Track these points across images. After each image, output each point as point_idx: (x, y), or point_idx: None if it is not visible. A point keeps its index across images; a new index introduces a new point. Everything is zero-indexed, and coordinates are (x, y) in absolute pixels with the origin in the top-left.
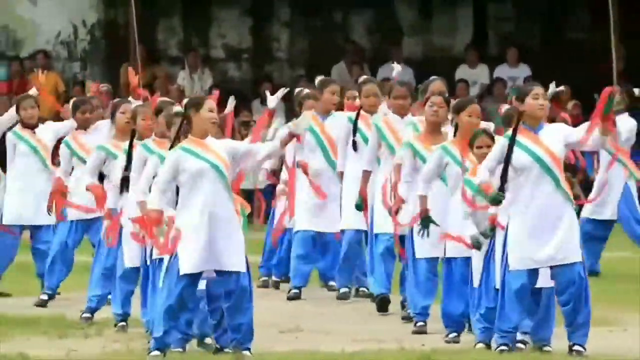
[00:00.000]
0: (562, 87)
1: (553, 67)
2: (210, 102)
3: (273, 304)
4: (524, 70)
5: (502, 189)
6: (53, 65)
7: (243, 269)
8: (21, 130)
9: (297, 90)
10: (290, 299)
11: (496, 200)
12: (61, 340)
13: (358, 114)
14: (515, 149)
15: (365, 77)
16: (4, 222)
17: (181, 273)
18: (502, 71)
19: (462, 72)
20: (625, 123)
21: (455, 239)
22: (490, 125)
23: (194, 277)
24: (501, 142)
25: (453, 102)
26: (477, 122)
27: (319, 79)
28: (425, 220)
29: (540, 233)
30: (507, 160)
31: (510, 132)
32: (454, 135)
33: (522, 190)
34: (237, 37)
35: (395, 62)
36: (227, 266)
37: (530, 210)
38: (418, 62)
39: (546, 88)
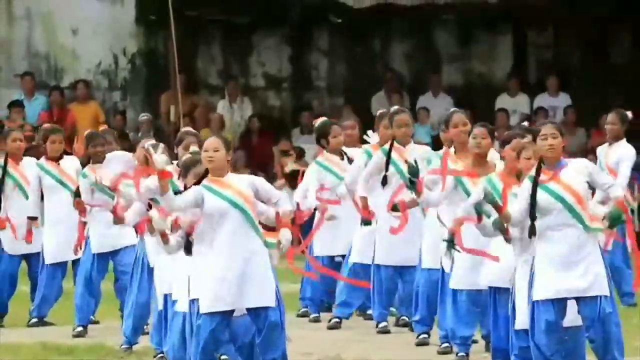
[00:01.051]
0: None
1: (594, 94)
2: (207, 143)
3: (312, 333)
4: (564, 99)
5: (532, 230)
6: (93, 95)
7: (272, 304)
8: (46, 163)
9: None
10: (330, 328)
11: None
12: None
13: (391, 146)
14: (538, 189)
15: (396, 107)
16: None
17: (210, 311)
18: (542, 100)
19: (502, 101)
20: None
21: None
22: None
23: (225, 316)
24: (525, 183)
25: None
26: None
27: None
28: (450, 242)
29: (566, 267)
30: (532, 200)
31: (533, 173)
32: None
33: (546, 228)
34: (276, 66)
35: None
36: (257, 303)
37: (556, 247)
38: (458, 91)
39: (589, 115)
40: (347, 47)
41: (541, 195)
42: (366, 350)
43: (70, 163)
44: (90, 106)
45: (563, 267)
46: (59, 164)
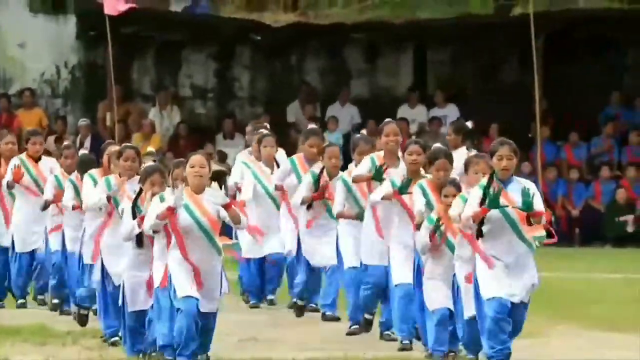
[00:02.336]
0: (469, 123)
1: (485, 107)
2: (194, 159)
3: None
4: (453, 110)
5: (479, 233)
6: (38, 102)
7: (214, 310)
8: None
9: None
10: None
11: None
12: (42, 347)
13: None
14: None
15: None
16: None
17: (180, 296)
18: (436, 111)
19: (403, 111)
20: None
21: None
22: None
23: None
24: (474, 193)
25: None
26: (393, 138)
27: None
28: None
29: (505, 276)
30: (482, 204)
31: (484, 181)
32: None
33: (488, 236)
34: (203, 78)
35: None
36: (205, 308)
37: (495, 255)
38: (364, 102)
39: (480, 126)
40: (266, 62)
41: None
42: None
43: (47, 163)
44: (35, 112)
45: (502, 275)
46: (37, 164)
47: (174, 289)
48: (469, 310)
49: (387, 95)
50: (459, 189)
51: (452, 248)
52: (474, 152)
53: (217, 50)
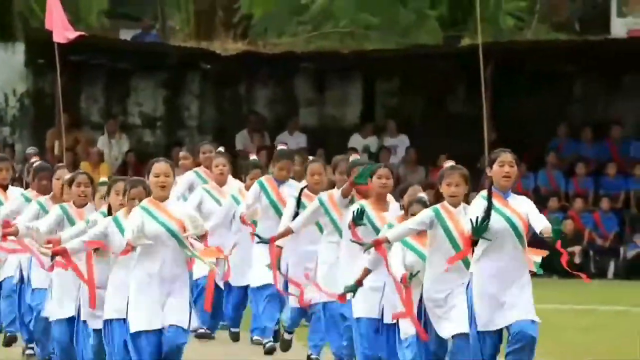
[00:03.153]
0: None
1: (433, 137)
2: (158, 166)
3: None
4: (403, 140)
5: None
6: None
7: (185, 325)
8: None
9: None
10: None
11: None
12: None
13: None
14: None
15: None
16: None
17: (132, 330)
18: (386, 140)
19: (354, 140)
20: None
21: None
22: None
23: (148, 335)
24: (477, 203)
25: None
26: (384, 182)
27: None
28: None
29: (502, 290)
30: (488, 213)
31: (484, 193)
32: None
33: (488, 251)
34: (152, 106)
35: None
36: (172, 322)
37: (492, 272)
38: (313, 131)
39: (430, 156)
40: (215, 91)
41: (493, 216)
42: None
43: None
44: None
45: (497, 294)
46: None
47: (130, 321)
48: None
49: (335, 124)
50: (426, 207)
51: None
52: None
53: (166, 78)
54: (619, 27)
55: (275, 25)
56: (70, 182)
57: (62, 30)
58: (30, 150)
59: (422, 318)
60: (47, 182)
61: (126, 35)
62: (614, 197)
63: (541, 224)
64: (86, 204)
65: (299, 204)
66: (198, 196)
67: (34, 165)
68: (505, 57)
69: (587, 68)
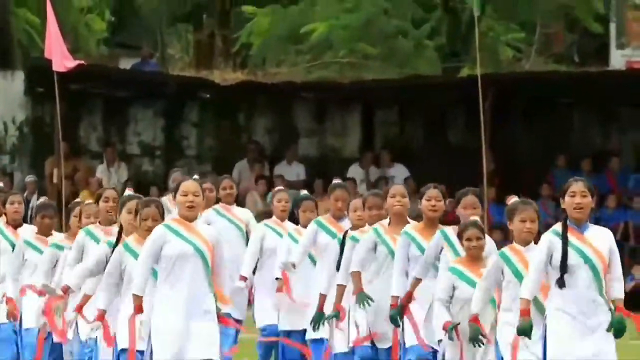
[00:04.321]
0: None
1: (433, 166)
2: (186, 185)
3: None
4: (401, 170)
5: (562, 282)
6: None
7: (216, 357)
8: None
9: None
10: None
11: (526, 331)
12: None
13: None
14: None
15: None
16: None
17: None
18: (384, 170)
19: (353, 170)
20: None
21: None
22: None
23: None
24: (547, 238)
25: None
26: (434, 204)
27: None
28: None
29: (579, 334)
30: (564, 252)
31: (558, 228)
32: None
33: (564, 290)
34: (151, 135)
35: None
36: (200, 355)
37: (569, 312)
38: (312, 160)
39: (425, 184)
40: (214, 120)
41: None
42: None
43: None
44: None
45: (576, 334)
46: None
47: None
48: None
49: (334, 154)
50: (482, 232)
51: None
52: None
53: (165, 107)
54: (618, 59)
55: (274, 55)
56: (97, 198)
57: (61, 59)
58: (29, 178)
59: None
60: (50, 220)
61: (125, 64)
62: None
63: (615, 291)
64: (113, 222)
65: (342, 248)
66: (260, 232)
67: (38, 202)
68: (504, 87)
69: (586, 99)
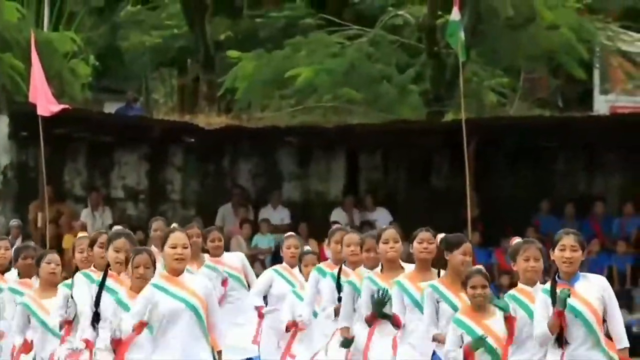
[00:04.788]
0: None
1: (417, 211)
2: (175, 237)
3: None
4: (383, 214)
5: (561, 341)
6: None
7: None
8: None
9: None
10: None
11: (563, 301)
12: None
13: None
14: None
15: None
16: None
17: None
18: (367, 214)
19: (337, 214)
20: None
21: None
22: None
23: None
24: (540, 298)
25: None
26: (469, 260)
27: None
28: None
29: None
30: (554, 305)
31: (547, 286)
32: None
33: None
34: (135, 179)
35: None
36: None
37: None
38: (296, 204)
39: (411, 231)
40: (199, 165)
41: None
42: None
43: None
44: None
45: None
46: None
47: None
48: None
49: (319, 199)
50: (487, 279)
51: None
52: None
53: (149, 151)
54: (602, 104)
55: (259, 99)
56: (92, 244)
57: (46, 103)
58: (13, 222)
59: None
60: (32, 261)
61: (110, 108)
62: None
63: (616, 342)
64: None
65: (339, 286)
66: (268, 277)
67: (16, 245)
68: (488, 132)
69: (570, 144)
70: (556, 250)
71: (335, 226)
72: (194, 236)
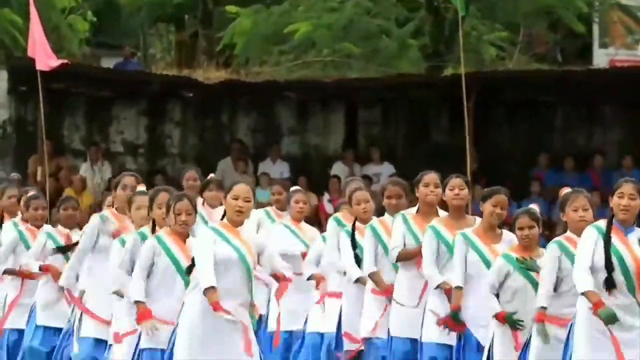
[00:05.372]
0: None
1: (416, 166)
2: (238, 189)
3: None
4: (387, 168)
5: (610, 283)
6: None
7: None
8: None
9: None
10: None
11: (612, 318)
12: None
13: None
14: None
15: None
16: None
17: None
18: (369, 169)
19: (337, 168)
20: None
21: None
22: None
23: None
24: (591, 235)
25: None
26: (500, 212)
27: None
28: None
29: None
30: (607, 253)
31: (602, 225)
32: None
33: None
34: (134, 134)
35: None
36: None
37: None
38: (295, 159)
39: (411, 186)
40: (197, 119)
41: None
42: None
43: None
44: None
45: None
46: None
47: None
48: None
49: (317, 153)
50: (535, 220)
51: None
52: None
53: (148, 106)
54: (601, 58)
55: (257, 55)
56: (116, 186)
57: (45, 58)
58: (13, 176)
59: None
60: (43, 211)
61: (107, 63)
62: None
63: None
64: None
65: (354, 243)
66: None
67: (29, 194)
68: (487, 86)
69: (569, 98)
70: (614, 197)
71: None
72: (300, 202)
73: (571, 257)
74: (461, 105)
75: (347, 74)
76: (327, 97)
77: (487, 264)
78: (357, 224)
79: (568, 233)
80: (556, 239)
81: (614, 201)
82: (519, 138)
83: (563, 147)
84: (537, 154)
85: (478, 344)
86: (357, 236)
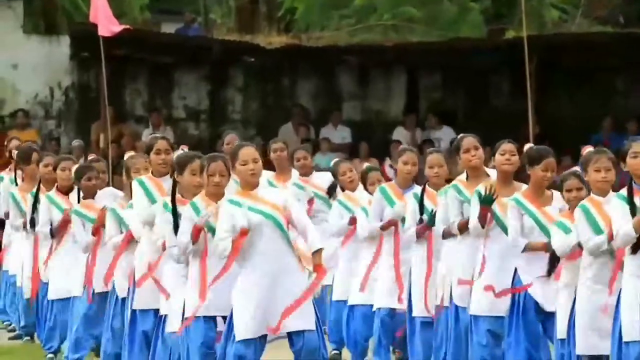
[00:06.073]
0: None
1: (477, 131)
2: (245, 152)
3: None
4: (448, 133)
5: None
6: (31, 123)
7: (311, 327)
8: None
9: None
10: None
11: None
12: None
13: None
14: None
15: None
16: None
17: (238, 339)
18: (430, 133)
19: (398, 133)
20: None
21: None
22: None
23: (252, 342)
24: (616, 203)
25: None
26: (550, 176)
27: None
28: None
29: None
30: (632, 211)
31: (624, 192)
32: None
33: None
34: (196, 100)
35: None
36: (293, 327)
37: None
38: (356, 124)
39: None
40: (259, 84)
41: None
42: None
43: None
44: (28, 133)
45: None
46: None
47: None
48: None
49: (378, 118)
50: (583, 182)
51: None
52: None
53: (210, 72)
54: None
55: (318, 19)
56: (149, 149)
57: (107, 24)
58: (76, 142)
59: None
60: (96, 181)
61: (168, 29)
62: None
63: None
64: (167, 173)
65: (422, 207)
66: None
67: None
68: (549, 49)
69: (632, 61)
70: (628, 158)
71: (401, 146)
72: (278, 150)
73: (592, 221)
74: (522, 69)
75: (407, 37)
76: (387, 61)
77: (543, 229)
78: (427, 188)
79: (592, 195)
80: (582, 202)
81: (629, 163)
82: (580, 102)
83: (626, 110)
84: (600, 118)
85: (536, 305)
86: (426, 200)
